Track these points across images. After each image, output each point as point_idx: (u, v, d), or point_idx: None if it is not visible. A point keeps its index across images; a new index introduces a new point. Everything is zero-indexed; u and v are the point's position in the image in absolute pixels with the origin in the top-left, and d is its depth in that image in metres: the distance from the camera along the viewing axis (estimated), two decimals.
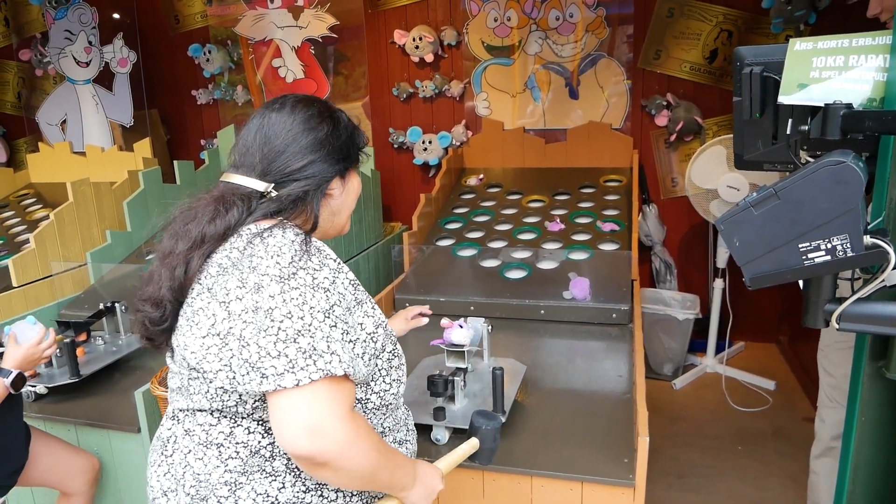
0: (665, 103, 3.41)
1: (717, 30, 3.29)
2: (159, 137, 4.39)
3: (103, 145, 4.03)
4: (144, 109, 4.08)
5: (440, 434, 1.55)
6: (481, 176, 3.54)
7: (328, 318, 0.87)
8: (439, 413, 1.54)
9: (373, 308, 1.02)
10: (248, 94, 4.09)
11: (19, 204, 3.84)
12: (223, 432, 0.95)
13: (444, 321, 1.72)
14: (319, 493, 0.96)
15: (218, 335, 0.89)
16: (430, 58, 3.62)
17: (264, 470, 0.94)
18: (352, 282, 0.98)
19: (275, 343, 0.83)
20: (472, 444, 1.25)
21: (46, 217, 3.17)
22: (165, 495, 0.98)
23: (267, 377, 0.83)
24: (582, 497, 1.41)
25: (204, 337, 0.91)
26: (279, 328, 0.84)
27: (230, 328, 0.88)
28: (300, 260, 0.89)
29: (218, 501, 0.93)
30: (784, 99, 1.07)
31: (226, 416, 0.95)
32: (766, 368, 3.24)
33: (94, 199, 3.43)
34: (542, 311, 2.41)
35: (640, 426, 1.36)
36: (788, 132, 1.10)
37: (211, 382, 0.93)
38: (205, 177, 3.74)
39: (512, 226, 3.06)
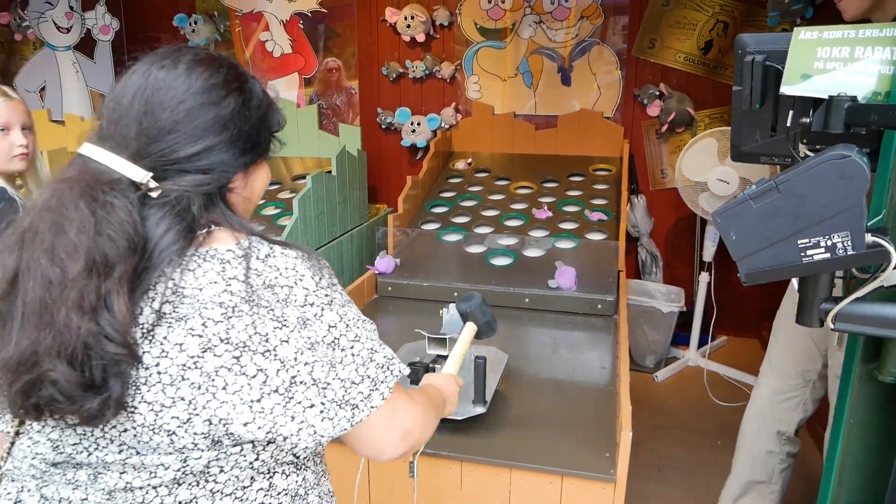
0: (658, 93, 3.37)
1: (714, 21, 3.25)
2: None
3: (83, 114, 3.91)
4: None
5: None
6: (469, 160, 3.49)
7: (370, 323, 0.83)
8: None
9: None
10: None
11: None
12: (262, 489, 0.79)
13: None
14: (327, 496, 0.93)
15: (277, 391, 0.72)
16: (421, 38, 3.55)
17: None
18: None
19: (356, 369, 0.77)
20: (469, 330, 1.37)
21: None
22: None
23: (357, 406, 0.77)
24: (562, 491, 1.39)
25: (258, 400, 0.71)
26: (353, 354, 0.77)
27: (292, 378, 0.72)
28: (321, 278, 0.78)
29: None
30: (786, 89, 1.03)
31: (261, 473, 0.79)
32: (747, 363, 3.24)
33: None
34: (527, 300, 2.38)
35: (622, 420, 1.34)
36: (789, 124, 1.06)
37: (268, 446, 0.76)
38: None
39: (499, 212, 3.02)
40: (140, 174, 0.72)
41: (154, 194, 0.72)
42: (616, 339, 2.01)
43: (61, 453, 0.73)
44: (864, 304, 0.91)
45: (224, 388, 0.70)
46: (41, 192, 0.73)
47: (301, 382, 0.73)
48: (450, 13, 3.51)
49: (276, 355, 0.71)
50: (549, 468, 1.37)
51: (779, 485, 1.99)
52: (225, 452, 0.73)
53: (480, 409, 1.51)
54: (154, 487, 0.74)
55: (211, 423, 0.71)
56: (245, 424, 0.71)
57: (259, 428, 0.72)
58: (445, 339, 1.63)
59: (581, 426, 1.54)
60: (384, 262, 2.58)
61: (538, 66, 3.49)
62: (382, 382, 0.80)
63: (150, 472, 0.73)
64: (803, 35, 1.03)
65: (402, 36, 3.59)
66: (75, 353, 0.66)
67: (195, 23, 3.85)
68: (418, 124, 3.71)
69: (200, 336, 0.69)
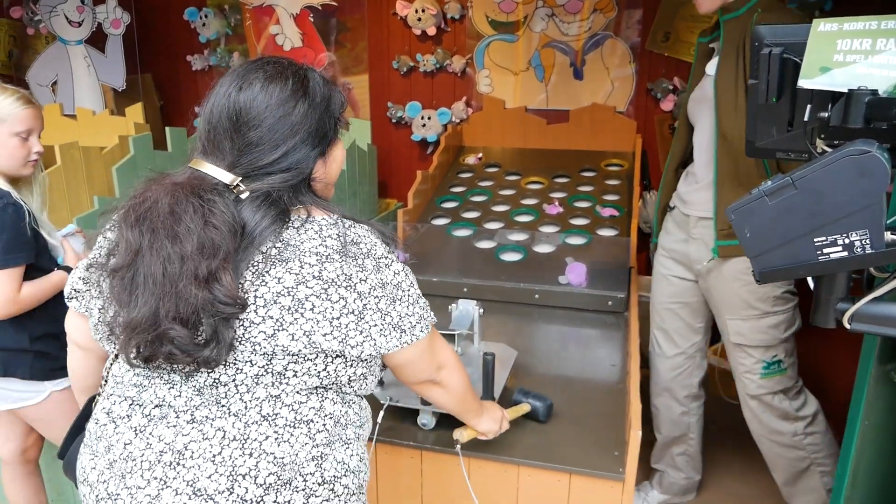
0: (672, 87, 3.33)
1: None
2: (152, 103, 4.28)
3: (94, 108, 3.92)
4: (137, 73, 3.98)
5: (426, 419, 1.50)
6: (480, 155, 3.47)
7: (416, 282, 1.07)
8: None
9: None
10: (244, 60, 3.99)
11: None
12: (313, 407, 0.97)
13: None
14: (364, 459, 1.07)
15: (353, 313, 0.94)
16: (432, 31, 3.52)
17: (342, 439, 1.00)
18: None
19: (408, 306, 1.00)
20: (523, 408, 1.52)
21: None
22: (211, 499, 0.88)
23: (405, 331, 1.00)
24: (569, 489, 1.37)
25: (338, 318, 0.93)
26: (408, 294, 1.01)
27: (365, 305, 0.95)
28: (387, 244, 1.02)
29: (304, 479, 0.94)
30: (804, 83, 1.00)
31: (314, 393, 0.97)
32: None
33: (83, 164, 3.34)
34: (537, 296, 2.36)
35: (632, 418, 1.32)
36: (806, 119, 1.03)
37: (337, 358, 0.96)
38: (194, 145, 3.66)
39: (509, 207, 2.99)
40: (230, 178, 0.93)
41: (244, 195, 0.93)
42: (627, 336, 1.99)
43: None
44: (881, 303, 0.88)
45: (311, 310, 0.91)
46: (155, 189, 0.91)
47: (370, 309, 0.95)
48: (461, 6, 3.48)
49: (355, 289, 0.94)
50: (558, 466, 1.36)
51: (696, 430, 2.27)
52: (303, 359, 0.93)
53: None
54: (236, 385, 0.92)
55: (294, 338, 0.90)
56: (324, 335, 0.92)
57: (335, 338, 0.93)
58: (454, 335, 1.62)
59: (590, 424, 1.53)
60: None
61: (550, 59, 3.45)
62: (425, 320, 1.04)
63: (238, 369, 0.92)
64: (823, 27, 1.00)
65: (412, 29, 3.57)
66: (190, 317, 0.85)
67: (205, 16, 3.84)
68: (429, 118, 3.69)
69: (297, 274, 0.91)
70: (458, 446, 1.40)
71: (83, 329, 1.07)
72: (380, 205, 3.73)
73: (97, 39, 3.88)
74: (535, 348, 2.00)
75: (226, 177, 0.93)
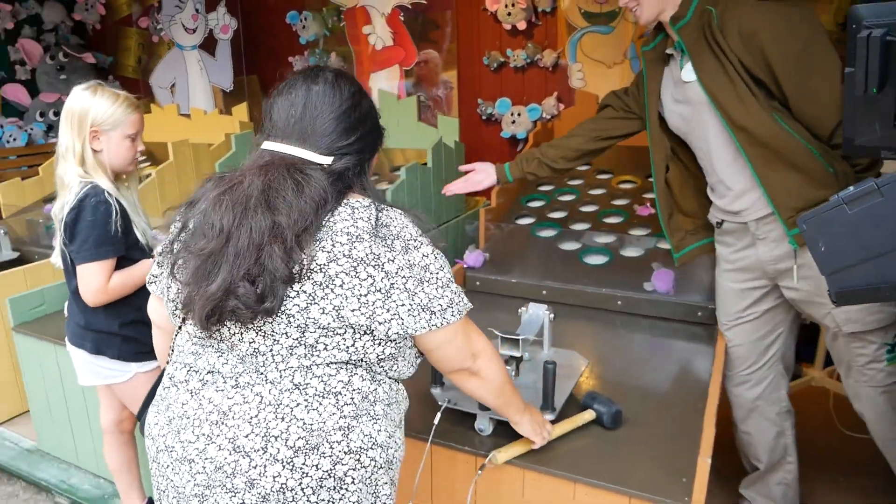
0: None
1: None
2: (258, 103, 4.50)
3: (206, 108, 4.18)
4: (243, 75, 4.19)
5: (483, 424, 1.46)
6: None
7: (449, 266, 1.08)
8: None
9: None
10: (340, 61, 4.09)
11: None
12: (342, 381, 1.02)
13: None
14: (394, 436, 1.09)
15: (380, 291, 0.98)
16: (522, 25, 3.44)
17: (369, 413, 1.04)
18: None
19: (437, 288, 1.03)
20: (587, 417, 1.46)
21: (149, 175, 3.35)
22: (247, 456, 0.97)
23: (435, 313, 1.03)
24: None
25: (366, 295, 0.98)
26: (437, 277, 1.03)
27: (392, 284, 0.99)
28: (421, 228, 1.07)
29: (330, 446, 0.99)
30: None
31: (345, 367, 1.02)
32: None
33: (192, 159, 3.57)
34: (620, 302, 2.24)
35: (703, 445, 1.20)
36: None
37: (364, 335, 1.00)
38: None
39: (598, 207, 2.86)
40: (324, 160, 1.03)
41: (327, 167, 1.03)
42: (714, 352, 1.84)
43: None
44: None
45: (341, 286, 0.97)
46: (241, 173, 1.02)
47: (397, 288, 1.00)
48: None
49: (383, 268, 0.99)
50: (617, 487, 1.27)
51: (794, 454, 2.01)
52: (333, 332, 0.98)
53: (549, 416, 1.42)
54: (273, 355, 0.99)
55: (324, 312, 0.97)
56: (353, 310, 0.97)
57: (363, 314, 0.98)
58: (518, 339, 1.56)
59: (661, 443, 1.41)
60: (473, 256, 2.54)
61: None
62: (456, 304, 1.06)
63: (275, 340, 0.99)
64: None
65: (502, 24, 3.50)
66: (257, 275, 0.94)
67: (305, 19, 3.98)
68: (518, 115, 3.61)
69: (329, 252, 0.97)
70: (483, 468, 1.35)
71: (162, 311, 1.17)
72: (467, 203, 3.70)
73: (209, 44, 4.13)
74: (611, 358, 1.89)
75: (319, 158, 1.03)
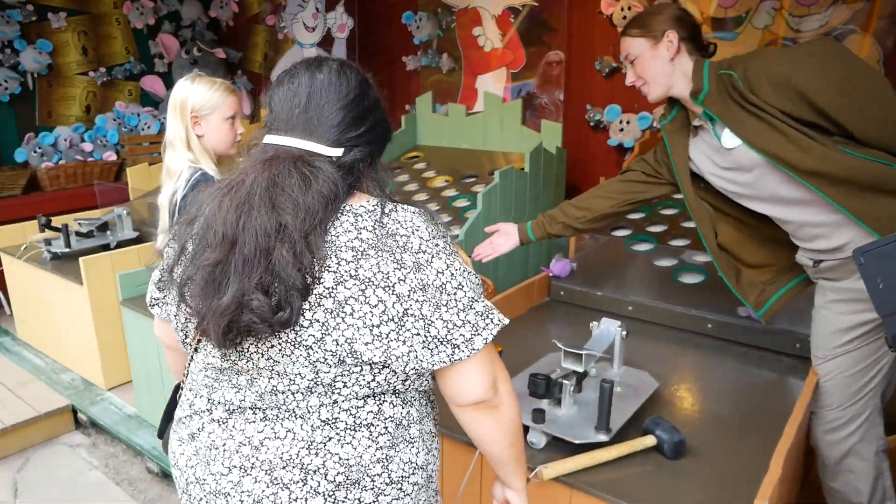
0: None
1: None
2: None
3: None
4: None
5: (536, 437, 1.41)
6: None
7: (476, 277, 0.95)
8: (538, 415, 1.40)
9: None
10: (452, 61, 4.14)
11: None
12: (372, 411, 0.94)
13: None
14: (431, 451, 1.03)
15: (392, 320, 0.88)
16: None
17: (405, 440, 0.97)
18: None
19: (457, 313, 0.90)
20: (646, 441, 1.37)
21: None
22: (287, 488, 0.91)
23: (459, 346, 0.90)
24: None
25: (377, 326, 0.87)
26: (456, 300, 0.90)
27: (405, 310, 0.88)
28: (436, 230, 0.94)
29: (371, 480, 0.93)
30: None
31: (371, 398, 0.94)
32: None
33: None
34: (710, 326, 2.09)
35: (763, 486, 1.09)
36: None
37: (384, 369, 0.90)
38: (399, 141, 3.89)
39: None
40: (334, 152, 0.93)
41: (336, 160, 0.93)
42: (806, 390, 1.67)
43: (227, 360, 0.93)
44: None
45: (351, 314, 0.86)
46: (243, 171, 0.92)
47: (412, 315, 0.88)
48: (673, 2, 3.21)
49: (394, 290, 0.87)
50: None
51: (893, 494, 1.79)
52: (348, 370, 0.89)
53: (602, 437, 1.35)
54: (293, 393, 0.91)
55: (338, 344, 0.87)
56: (366, 344, 0.87)
57: (377, 348, 0.88)
58: (581, 355, 1.50)
59: (722, 481, 1.30)
60: (560, 266, 2.48)
61: None
62: (485, 329, 0.92)
63: (290, 380, 0.90)
64: None
65: (618, 28, 3.38)
66: (270, 284, 0.84)
67: (420, 19, 4.06)
68: (627, 123, 3.48)
69: (335, 273, 0.86)
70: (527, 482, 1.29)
71: (170, 332, 1.09)
72: None
73: (326, 43, 4.33)
74: (689, 383, 1.77)
75: (327, 150, 0.93)
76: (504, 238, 2.05)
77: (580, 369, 1.50)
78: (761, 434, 1.46)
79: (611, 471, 1.34)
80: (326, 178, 0.89)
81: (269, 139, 0.96)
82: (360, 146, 0.95)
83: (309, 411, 0.92)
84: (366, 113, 0.96)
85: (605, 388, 1.33)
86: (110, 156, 4.36)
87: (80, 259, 2.77)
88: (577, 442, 1.35)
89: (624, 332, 1.66)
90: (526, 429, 1.43)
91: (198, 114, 1.86)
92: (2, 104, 4.26)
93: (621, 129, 3.52)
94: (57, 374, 3.06)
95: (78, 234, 3.08)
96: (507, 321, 0.95)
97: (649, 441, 1.39)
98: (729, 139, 1.59)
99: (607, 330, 1.68)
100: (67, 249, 3.04)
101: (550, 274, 2.47)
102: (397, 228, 0.91)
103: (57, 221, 3.16)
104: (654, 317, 2.21)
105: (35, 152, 4.12)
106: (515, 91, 3.88)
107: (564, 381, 1.45)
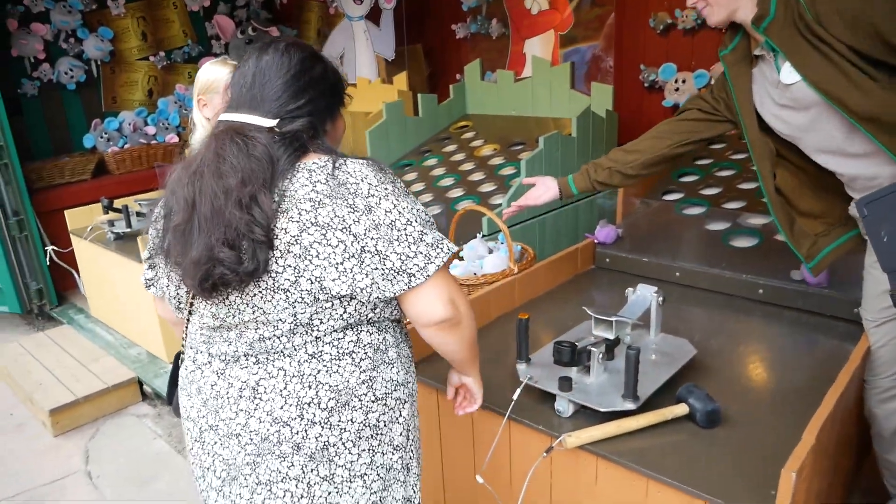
0: None
1: None
2: (421, 71, 4.62)
3: (370, 77, 4.39)
4: (404, 44, 4.32)
5: (562, 405, 1.39)
6: None
7: (425, 213, 1.06)
8: (564, 383, 1.37)
9: None
10: (501, 27, 4.05)
11: None
12: (352, 341, 1.06)
13: None
14: (410, 370, 1.17)
15: (353, 257, 0.99)
16: None
17: (384, 361, 1.10)
18: None
19: (409, 246, 1.01)
20: (679, 410, 1.34)
21: None
22: (287, 425, 1.03)
23: (414, 274, 1.01)
24: None
25: (341, 263, 0.99)
26: (406, 234, 1.01)
27: (362, 247, 0.99)
28: (384, 176, 1.04)
29: (359, 399, 1.06)
30: None
31: (350, 329, 1.06)
32: None
33: (350, 127, 3.79)
34: (761, 291, 1.99)
35: (794, 455, 1.04)
36: None
37: (352, 301, 1.02)
38: (447, 111, 3.85)
39: (758, 185, 2.55)
40: (270, 122, 1.04)
41: (277, 133, 1.04)
42: (860, 354, 1.56)
43: (217, 318, 1.04)
44: None
45: (317, 256, 0.98)
46: (202, 144, 1.06)
47: (368, 251, 0.99)
48: None
49: (350, 231, 0.98)
50: (691, 490, 1.14)
51: None
52: (322, 307, 1.00)
53: (630, 405, 1.31)
54: (278, 337, 1.03)
55: (311, 283, 0.98)
56: (333, 280, 0.99)
57: (343, 282, 0.99)
58: (612, 321, 1.46)
59: (756, 451, 1.24)
60: (605, 232, 2.40)
61: None
62: (436, 257, 1.03)
63: (274, 326, 1.02)
64: None
65: None
66: (235, 240, 0.96)
67: None
68: (683, 82, 3.32)
69: (298, 222, 0.98)
70: (550, 450, 1.30)
71: (168, 309, 1.19)
72: None
73: (374, 15, 4.31)
74: (731, 351, 1.69)
75: (264, 121, 1.04)
76: (542, 189, 1.96)
77: (611, 336, 1.46)
78: (804, 404, 1.38)
79: (640, 439, 1.30)
80: (259, 144, 1.00)
81: (222, 117, 1.09)
82: (301, 117, 1.05)
83: (295, 349, 1.03)
84: (306, 87, 1.06)
85: (631, 356, 1.28)
86: (172, 138, 4.53)
87: (139, 238, 2.91)
88: (602, 410, 1.31)
89: (660, 299, 1.60)
90: (554, 396, 1.41)
91: (203, 96, 1.88)
92: (69, 92, 4.49)
93: (677, 89, 3.37)
94: (125, 349, 3.24)
95: (138, 214, 3.23)
96: (455, 248, 1.06)
97: (681, 410, 1.34)
98: (788, 74, 1.47)
99: (643, 296, 1.62)
100: (129, 229, 3.19)
101: (595, 241, 2.40)
102: (347, 178, 1.01)
103: (122, 203, 3.32)
104: (702, 282, 2.12)
105: (102, 137, 4.33)
106: (570, 56, 3.75)
107: (593, 349, 1.41)
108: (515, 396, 1.40)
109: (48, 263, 3.82)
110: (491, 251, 2.29)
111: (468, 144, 3.61)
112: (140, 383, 2.93)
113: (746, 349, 1.72)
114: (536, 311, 1.99)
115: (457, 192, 3.13)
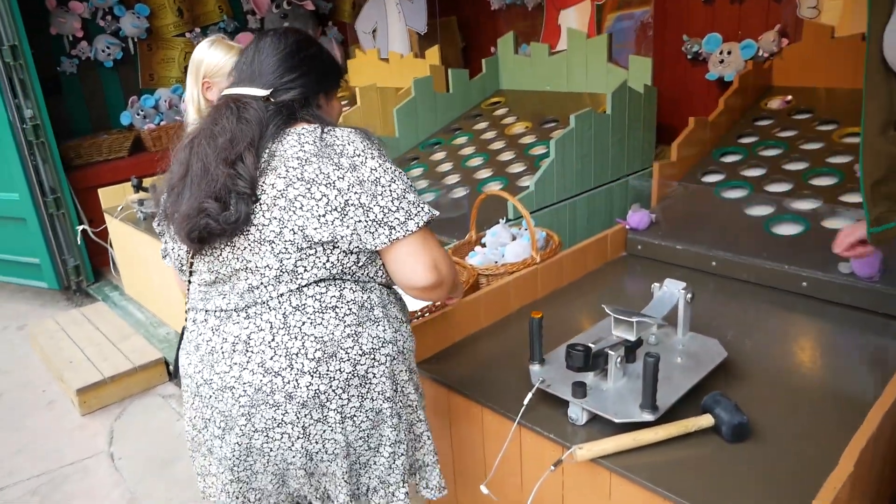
0: None
1: None
2: (455, 44, 4.48)
3: (402, 52, 4.28)
4: (436, 17, 4.18)
5: (576, 413, 1.29)
6: (789, 97, 2.80)
7: (409, 179, 1.13)
8: (577, 389, 1.28)
9: None
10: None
11: None
12: (335, 296, 1.12)
13: None
14: (399, 330, 1.21)
15: (336, 209, 1.06)
16: None
17: (370, 319, 1.15)
18: None
19: (391, 201, 1.08)
20: (703, 420, 1.25)
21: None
22: (278, 375, 1.09)
23: (395, 227, 1.09)
24: None
25: (324, 215, 1.06)
26: (391, 190, 1.09)
27: (346, 201, 1.07)
28: (370, 142, 1.12)
29: (346, 352, 1.11)
30: None
31: (333, 283, 1.12)
32: None
33: (379, 104, 3.69)
34: (805, 284, 1.83)
35: (826, 486, 0.92)
36: None
37: (334, 249, 1.09)
38: (479, 86, 3.72)
39: (807, 165, 2.37)
40: (264, 92, 1.15)
41: (272, 103, 1.15)
42: None
43: (212, 272, 1.13)
44: None
45: (301, 208, 1.06)
46: (206, 114, 1.18)
47: (352, 205, 1.07)
48: None
49: (334, 186, 1.07)
50: None
51: None
52: (305, 254, 1.08)
53: (647, 417, 1.21)
54: (265, 286, 1.10)
55: (294, 232, 1.07)
56: (315, 229, 1.07)
57: (325, 231, 1.07)
58: (632, 322, 1.34)
59: (790, 471, 1.13)
60: (637, 217, 2.27)
61: None
62: (416, 215, 1.10)
63: (262, 273, 1.10)
64: None
65: None
66: (220, 192, 1.05)
67: None
68: (728, 53, 3.11)
69: (285, 178, 1.07)
70: (558, 463, 1.22)
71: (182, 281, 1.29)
72: (661, 152, 3.32)
73: None
74: (770, 352, 1.56)
75: (258, 91, 1.15)
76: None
77: (631, 338, 1.35)
78: (848, 417, 1.25)
79: (659, 453, 1.20)
80: (252, 109, 1.11)
81: (224, 92, 1.19)
82: (294, 89, 1.16)
83: (280, 301, 1.10)
84: (300, 63, 1.18)
85: (649, 364, 1.18)
86: None
87: None
88: (617, 420, 1.21)
89: (689, 296, 1.48)
90: (566, 403, 1.32)
91: (210, 79, 1.83)
92: (107, 70, 4.51)
93: (721, 61, 3.16)
94: (155, 328, 3.27)
95: None
96: (437, 213, 1.14)
97: (706, 421, 1.23)
98: None
99: (670, 293, 1.50)
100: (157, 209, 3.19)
101: (627, 226, 2.27)
102: (334, 140, 1.10)
103: (151, 183, 3.32)
104: (740, 273, 1.97)
105: (139, 115, 4.35)
106: (621, 21, 3.55)
107: (610, 352, 1.31)
108: (526, 401, 1.32)
109: (85, 240, 3.88)
110: (514, 238, 2.18)
111: (500, 122, 3.48)
112: (167, 363, 2.96)
113: (784, 350, 1.59)
114: (559, 303, 1.89)
115: (485, 174, 3.01)
